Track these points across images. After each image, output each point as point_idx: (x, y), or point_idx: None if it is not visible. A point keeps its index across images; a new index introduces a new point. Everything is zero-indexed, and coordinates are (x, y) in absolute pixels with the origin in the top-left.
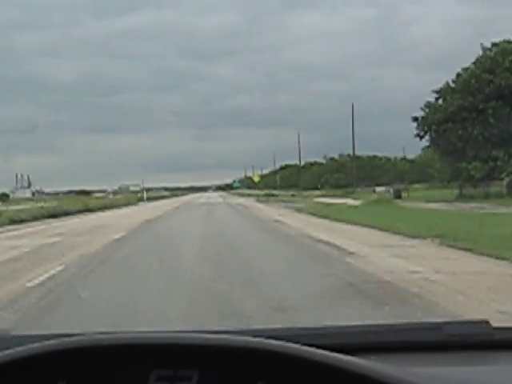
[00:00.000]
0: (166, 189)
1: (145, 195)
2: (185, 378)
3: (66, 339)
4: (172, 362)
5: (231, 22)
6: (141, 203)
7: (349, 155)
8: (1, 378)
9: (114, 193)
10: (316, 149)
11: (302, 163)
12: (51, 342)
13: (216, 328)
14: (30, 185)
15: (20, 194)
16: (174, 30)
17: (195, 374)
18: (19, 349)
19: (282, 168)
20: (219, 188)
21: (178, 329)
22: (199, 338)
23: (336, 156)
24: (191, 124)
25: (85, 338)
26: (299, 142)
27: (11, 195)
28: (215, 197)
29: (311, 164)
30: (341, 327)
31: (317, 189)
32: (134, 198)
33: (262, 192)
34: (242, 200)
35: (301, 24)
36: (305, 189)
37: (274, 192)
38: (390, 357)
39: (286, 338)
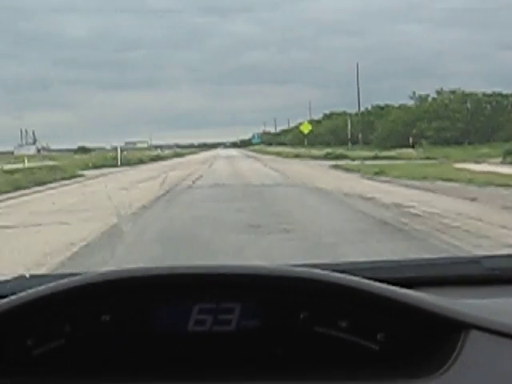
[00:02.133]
0: (178, 146)
1: (119, 156)
2: (227, 311)
3: (108, 272)
4: (214, 294)
5: None
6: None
7: (453, 92)
8: (43, 312)
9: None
10: (332, 105)
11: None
12: (93, 274)
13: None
14: (35, 141)
15: (24, 151)
16: None
17: (237, 306)
18: (61, 281)
19: (327, 117)
20: (234, 145)
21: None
22: (241, 268)
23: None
24: (205, 80)
25: (126, 269)
26: (357, 77)
27: (15, 152)
28: (233, 158)
29: (368, 112)
30: (377, 262)
31: (407, 146)
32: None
33: (306, 150)
34: (284, 166)
35: None
36: (384, 147)
37: (341, 152)
38: (428, 290)
39: (327, 270)
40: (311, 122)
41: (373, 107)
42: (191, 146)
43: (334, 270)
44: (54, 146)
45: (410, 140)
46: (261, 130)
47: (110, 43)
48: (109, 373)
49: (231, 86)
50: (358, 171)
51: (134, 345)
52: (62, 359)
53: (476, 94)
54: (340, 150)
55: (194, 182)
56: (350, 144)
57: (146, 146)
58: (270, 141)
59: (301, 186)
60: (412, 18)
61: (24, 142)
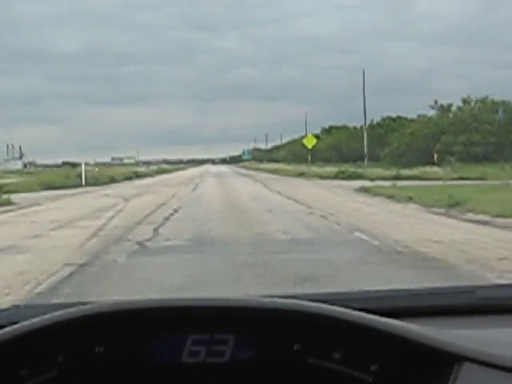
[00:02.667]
0: (167, 162)
1: (83, 174)
2: (221, 342)
3: (102, 303)
4: (208, 326)
5: None
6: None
7: (482, 101)
8: (36, 343)
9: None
10: (317, 123)
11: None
12: (87, 306)
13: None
14: (21, 156)
15: (10, 166)
16: (178, 1)
17: (231, 338)
18: (56, 313)
19: (326, 131)
20: (224, 161)
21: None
22: (235, 300)
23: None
24: (194, 96)
25: (120, 302)
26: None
27: (1, 167)
28: (224, 176)
29: (376, 125)
30: (369, 292)
31: (429, 163)
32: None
33: (308, 168)
34: (293, 189)
35: None
36: (400, 164)
37: (355, 171)
38: (422, 321)
39: (319, 301)
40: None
41: (383, 119)
42: (180, 161)
43: (326, 301)
44: (41, 161)
45: (435, 156)
46: (251, 146)
47: (100, 59)
48: None
49: (221, 102)
50: (410, 199)
51: (128, 376)
52: None
53: (509, 103)
54: (352, 169)
55: (156, 230)
56: (365, 161)
57: (133, 161)
58: (260, 157)
59: (368, 240)
60: (402, 36)
61: (10, 156)
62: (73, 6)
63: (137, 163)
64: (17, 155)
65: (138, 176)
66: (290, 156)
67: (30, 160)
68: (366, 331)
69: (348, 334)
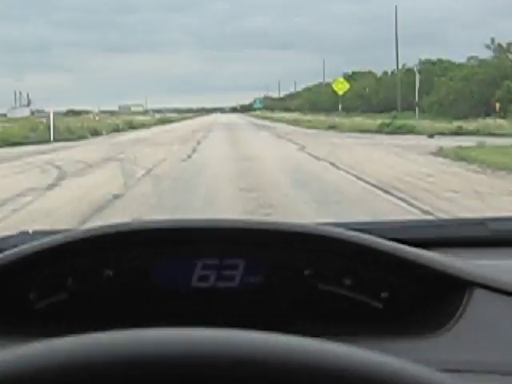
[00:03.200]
0: (177, 110)
1: (51, 127)
2: (231, 267)
3: (112, 225)
4: (218, 249)
5: None
6: None
7: None
8: (45, 265)
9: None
10: (332, 72)
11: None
12: (95, 227)
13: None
14: (29, 103)
15: (18, 114)
16: None
17: (241, 263)
18: (64, 235)
19: (350, 77)
20: (234, 110)
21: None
22: (246, 222)
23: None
24: (205, 45)
25: (130, 223)
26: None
27: (8, 114)
28: (237, 129)
29: (410, 71)
30: (383, 222)
31: (488, 115)
32: None
33: (339, 119)
34: (346, 153)
35: None
36: (451, 115)
37: (403, 123)
38: (435, 251)
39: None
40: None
41: (421, 62)
42: (190, 110)
43: (341, 229)
44: (49, 109)
45: (497, 106)
46: (262, 95)
47: (110, 5)
48: (110, 327)
49: (231, 50)
50: None
51: (137, 299)
52: (64, 313)
53: None
54: (400, 121)
55: None
56: (416, 111)
57: (140, 109)
58: (272, 106)
59: None
60: None
61: (18, 104)
62: None
63: (145, 111)
64: (25, 103)
65: (133, 127)
66: (306, 105)
67: (38, 107)
68: (376, 256)
69: (359, 260)
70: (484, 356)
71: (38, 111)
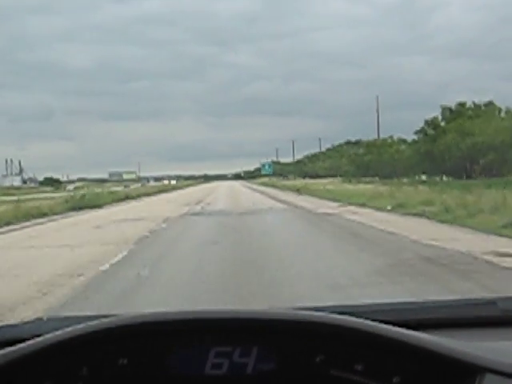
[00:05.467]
0: (179, 177)
1: None
2: (244, 354)
3: (125, 316)
4: (231, 338)
5: (250, 7)
6: None
7: None
8: (60, 355)
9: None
10: (335, 138)
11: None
12: (109, 319)
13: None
14: (21, 171)
15: (9, 182)
16: (191, 16)
17: (254, 350)
18: (79, 326)
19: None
20: (238, 177)
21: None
22: (257, 312)
23: None
24: (208, 112)
25: (143, 314)
26: None
27: None
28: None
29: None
30: (391, 304)
31: None
32: None
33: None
34: None
35: (321, 10)
36: None
37: None
38: (443, 332)
39: (340, 313)
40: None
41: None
42: (192, 177)
43: (348, 313)
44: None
45: None
46: (265, 161)
47: (113, 74)
48: None
49: (233, 117)
50: None
51: None
52: None
53: None
54: None
55: None
56: None
57: (133, 176)
58: (283, 171)
59: None
60: (415, 50)
61: (9, 172)
62: (85, 20)
63: (138, 179)
64: (16, 171)
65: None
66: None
67: (31, 176)
68: (388, 343)
69: (370, 346)
70: None
71: (30, 179)
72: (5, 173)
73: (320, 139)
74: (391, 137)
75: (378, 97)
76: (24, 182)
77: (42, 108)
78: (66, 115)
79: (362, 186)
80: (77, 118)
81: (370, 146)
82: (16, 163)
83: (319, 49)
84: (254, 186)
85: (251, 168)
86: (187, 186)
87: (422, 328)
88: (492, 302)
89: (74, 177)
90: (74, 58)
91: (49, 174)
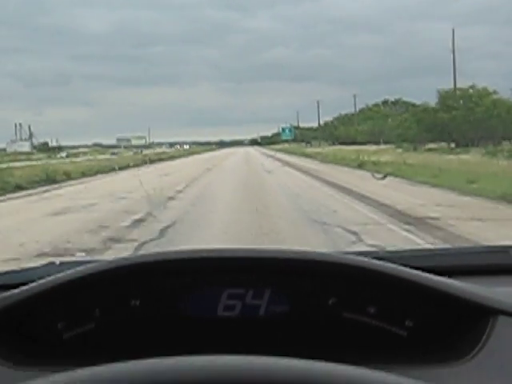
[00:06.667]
0: (195, 143)
1: None
2: (257, 296)
3: (136, 256)
4: (244, 279)
5: None
6: None
7: None
8: (73, 296)
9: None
10: (351, 104)
11: None
12: (120, 258)
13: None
14: (30, 137)
15: (17, 148)
16: None
17: (267, 292)
18: (90, 266)
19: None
20: (254, 142)
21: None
22: (270, 251)
23: None
24: (224, 77)
25: (155, 253)
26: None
27: (7, 148)
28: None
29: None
30: (406, 250)
31: None
32: None
33: None
34: None
35: None
36: None
37: None
38: (458, 279)
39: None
40: None
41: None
42: (208, 143)
43: (365, 258)
44: (65, 143)
45: None
46: (281, 127)
47: (130, 38)
48: (137, 356)
49: (251, 83)
50: None
51: (163, 329)
52: (92, 342)
53: None
54: None
55: None
56: None
57: (143, 142)
58: (305, 136)
59: None
60: (434, 15)
61: (18, 137)
62: None
63: (148, 145)
64: (26, 136)
65: None
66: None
67: (41, 141)
68: (400, 284)
69: (383, 288)
70: (509, 383)
71: (42, 145)
72: (14, 138)
73: (355, 96)
74: (472, 86)
75: (453, 30)
76: (34, 147)
77: (58, 73)
78: (82, 80)
79: (457, 159)
80: (93, 84)
81: (447, 98)
82: (26, 128)
83: (338, 13)
84: (278, 155)
85: (268, 133)
86: (192, 153)
87: (434, 274)
88: (504, 251)
89: (88, 142)
90: (92, 23)
91: (62, 139)
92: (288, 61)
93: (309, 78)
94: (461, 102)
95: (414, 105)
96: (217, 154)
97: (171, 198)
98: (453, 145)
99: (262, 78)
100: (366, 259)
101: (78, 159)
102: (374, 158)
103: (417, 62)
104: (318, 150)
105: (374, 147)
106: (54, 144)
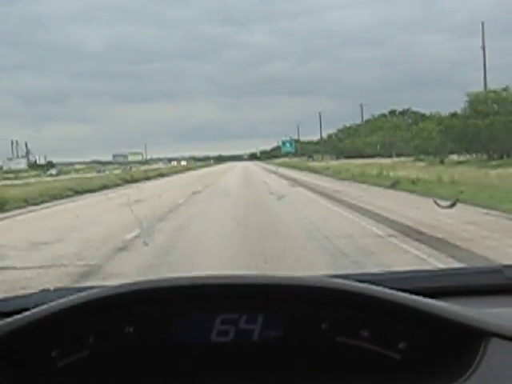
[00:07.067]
0: (194, 158)
1: None
2: (250, 321)
3: (130, 283)
4: (237, 304)
5: None
6: None
7: None
8: (67, 324)
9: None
10: (350, 117)
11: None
12: (114, 286)
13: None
14: (27, 154)
15: (13, 165)
16: None
17: (260, 317)
18: (84, 293)
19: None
20: (253, 157)
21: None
22: (263, 278)
23: None
24: (223, 92)
25: (149, 281)
26: None
27: (4, 166)
28: None
29: None
30: (398, 272)
31: None
32: None
33: None
34: None
35: None
36: None
37: None
38: (449, 300)
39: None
40: None
41: None
42: (206, 158)
43: (356, 281)
44: (63, 160)
45: None
46: (280, 141)
47: (127, 55)
48: (131, 383)
49: (249, 97)
50: None
51: (158, 355)
52: (86, 370)
53: None
54: None
55: None
56: None
57: (140, 158)
58: (306, 150)
59: None
60: (432, 28)
61: (15, 155)
62: (100, 1)
63: (145, 161)
64: (22, 153)
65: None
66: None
67: (37, 158)
68: (394, 308)
69: (376, 312)
70: None
71: (40, 163)
72: (10, 156)
73: (362, 105)
74: (506, 88)
75: (483, 23)
76: (30, 165)
77: (56, 90)
78: (81, 97)
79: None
80: (92, 100)
81: (478, 102)
82: (23, 145)
83: (335, 28)
84: (281, 170)
85: (267, 147)
86: (187, 169)
87: (427, 296)
88: (498, 270)
89: (86, 159)
90: (89, 40)
91: (61, 156)
92: (286, 75)
93: (308, 92)
94: (494, 106)
95: (423, 115)
96: (213, 169)
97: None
98: (484, 156)
99: (260, 92)
100: (358, 284)
101: (67, 177)
102: (400, 173)
103: (416, 75)
104: (323, 164)
105: (385, 160)
106: (48, 160)
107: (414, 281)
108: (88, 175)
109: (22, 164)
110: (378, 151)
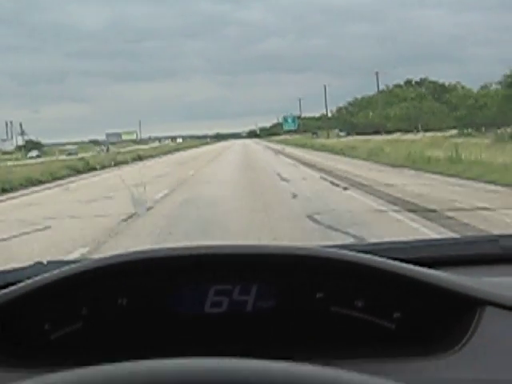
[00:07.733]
0: (192, 137)
1: None
2: (244, 292)
3: (123, 254)
4: (230, 275)
5: None
6: None
7: None
8: (59, 296)
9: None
10: (349, 95)
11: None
12: (107, 257)
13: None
14: (22, 134)
15: (6, 146)
16: None
17: (254, 288)
18: (76, 265)
19: None
20: (252, 134)
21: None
22: (256, 247)
23: None
24: (220, 70)
25: (141, 251)
26: None
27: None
28: None
29: None
30: (394, 242)
31: None
32: None
33: None
34: None
35: None
36: None
37: None
38: (447, 270)
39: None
40: None
41: None
42: (204, 136)
43: (352, 251)
44: (64, 140)
45: None
46: (281, 118)
47: (124, 34)
48: (125, 354)
49: (247, 75)
50: None
51: (150, 327)
52: (80, 342)
53: None
54: None
55: None
56: None
57: (134, 137)
58: (309, 127)
59: None
60: (429, 2)
61: (9, 136)
62: None
63: (139, 141)
64: (18, 135)
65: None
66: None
67: (33, 139)
68: (388, 277)
69: (371, 281)
70: (497, 374)
71: (33, 143)
72: (5, 137)
73: (377, 73)
74: None
75: None
76: (24, 145)
77: (53, 70)
78: (78, 77)
79: None
80: (89, 80)
81: None
82: (18, 127)
83: (331, 3)
84: (288, 149)
85: (267, 124)
86: (181, 149)
87: (423, 266)
88: (493, 240)
89: (84, 139)
90: (86, 19)
91: (57, 137)
92: (284, 51)
93: (306, 69)
94: None
95: (442, 85)
96: (209, 148)
97: None
98: None
99: (258, 69)
100: (353, 253)
101: (47, 159)
102: (482, 157)
103: (415, 50)
104: (333, 141)
105: (413, 136)
106: (27, 140)
107: (410, 251)
108: (62, 157)
109: (12, 146)
110: (399, 126)
